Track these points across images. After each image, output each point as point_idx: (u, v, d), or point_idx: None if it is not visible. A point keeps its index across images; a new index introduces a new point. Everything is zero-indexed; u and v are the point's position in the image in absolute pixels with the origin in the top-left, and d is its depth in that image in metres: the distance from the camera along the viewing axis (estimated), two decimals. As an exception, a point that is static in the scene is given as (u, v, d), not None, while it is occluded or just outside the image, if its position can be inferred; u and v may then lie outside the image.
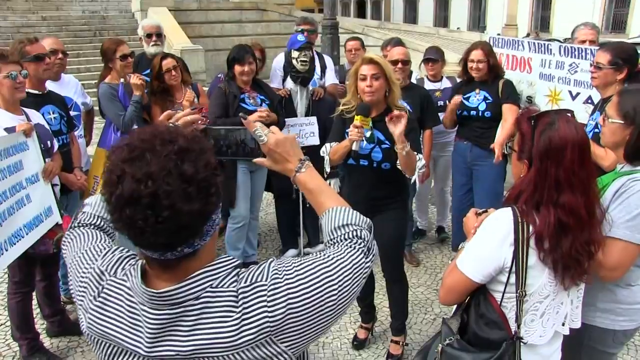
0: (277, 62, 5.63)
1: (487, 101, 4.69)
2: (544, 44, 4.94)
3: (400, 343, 3.89)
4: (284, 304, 1.22)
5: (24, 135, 3.39)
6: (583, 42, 4.83)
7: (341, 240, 1.43)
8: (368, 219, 1.52)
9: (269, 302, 1.21)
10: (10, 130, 3.39)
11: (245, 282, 1.24)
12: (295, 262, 1.31)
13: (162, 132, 1.18)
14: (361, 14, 47.00)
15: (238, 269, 1.29)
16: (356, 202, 3.68)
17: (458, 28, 32.56)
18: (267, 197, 6.41)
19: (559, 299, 2.03)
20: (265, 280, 1.24)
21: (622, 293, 2.34)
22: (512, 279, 1.94)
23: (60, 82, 4.55)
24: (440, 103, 5.21)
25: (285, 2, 19.35)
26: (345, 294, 1.30)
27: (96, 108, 5.48)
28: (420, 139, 4.70)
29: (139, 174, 1.10)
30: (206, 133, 1.70)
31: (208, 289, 1.22)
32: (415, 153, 3.41)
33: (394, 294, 3.90)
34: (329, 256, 1.33)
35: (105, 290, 1.30)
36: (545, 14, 33.48)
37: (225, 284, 1.24)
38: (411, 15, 42.75)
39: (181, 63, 5.03)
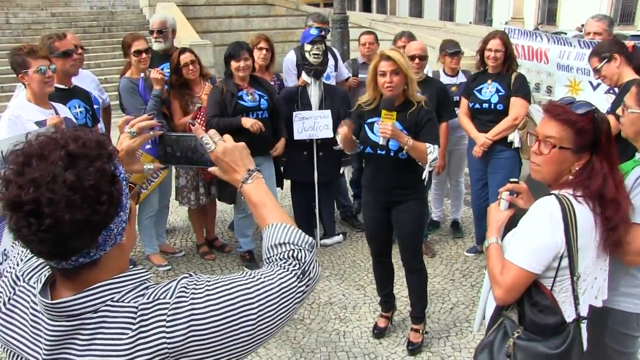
0: (289, 59, 5.70)
1: (500, 93, 4.73)
2: (563, 37, 5.00)
3: (420, 331, 3.96)
4: (185, 325, 1.13)
5: (54, 129, 3.46)
6: (588, 34, 4.88)
7: (275, 260, 1.35)
8: (310, 238, 1.43)
9: (168, 321, 1.13)
10: (40, 123, 3.47)
11: (149, 298, 1.16)
12: (209, 280, 1.22)
13: (56, 137, 1.10)
14: (366, 7, 46.92)
15: (148, 284, 1.21)
16: (376, 191, 3.81)
17: (470, 22, 32.38)
18: (281, 191, 6.48)
19: (595, 274, 2.14)
20: (169, 298, 1.16)
21: None
22: (563, 263, 2.02)
23: (78, 77, 4.61)
24: (456, 98, 5.24)
25: (292, -4, 19.39)
26: (267, 319, 1.21)
27: (113, 103, 5.59)
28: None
29: (23, 180, 1.04)
30: (164, 139, 1.69)
31: (108, 303, 1.14)
32: (428, 145, 3.48)
33: (413, 283, 3.97)
34: (253, 276, 1.25)
35: (15, 296, 1.25)
36: (552, 6, 33.41)
37: (127, 298, 1.16)
38: (417, 9, 42.66)
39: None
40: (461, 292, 4.67)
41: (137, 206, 4.99)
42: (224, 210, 6.28)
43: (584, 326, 2.11)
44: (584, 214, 2.02)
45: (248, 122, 4.57)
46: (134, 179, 5.03)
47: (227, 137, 1.58)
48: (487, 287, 2.48)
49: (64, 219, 1.03)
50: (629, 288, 2.42)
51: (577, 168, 2.09)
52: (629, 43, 3.78)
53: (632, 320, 2.46)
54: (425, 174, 3.63)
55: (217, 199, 5.36)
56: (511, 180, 2.34)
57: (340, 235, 5.69)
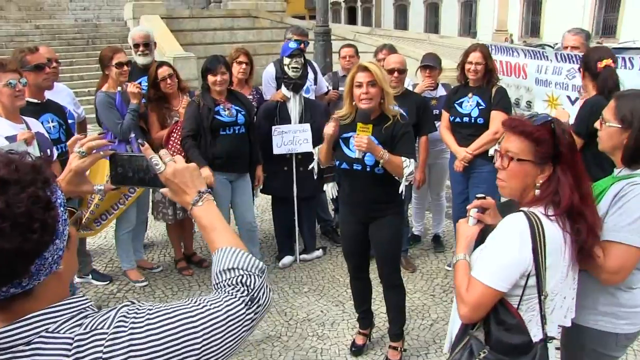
0: (268, 72, 5.65)
1: (480, 107, 4.70)
2: (540, 51, 5.00)
3: (399, 349, 3.91)
4: (123, 356, 1.07)
5: (25, 143, 3.40)
6: (566, 47, 4.90)
7: (224, 286, 1.31)
8: (261, 263, 1.39)
9: (105, 353, 1.07)
10: (11, 138, 3.40)
11: (86, 328, 1.10)
12: (151, 309, 1.17)
13: None
14: (352, 20, 47.17)
15: (86, 313, 1.15)
16: (353, 206, 3.77)
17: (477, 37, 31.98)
18: (262, 205, 6.44)
19: (564, 294, 2.09)
20: (107, 328, 1.10)
21: (624, 296, 2.36)
22: (530, 282, 1.98)
23: (53, 90, 4.53)
24: (436, 112, 5.21)
25: (277, 9, 19.48)
26: (213, 348, 1.17)
27: (89, 116, 5.52)
28: (417, 145, 4.76)
29: None
30: (115, 159, 1.65)
31: (42, 334, 1.08)
32: (404, 158, 3.45)
33: (391, 300, 3.92)
34: (198, 304, 1.21)
35: None
36: (535, 19, 33.78)
37: (63, 329, 1.09)
38: (401, 21, 42.93)
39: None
40: (441, 308, 4.63)
41: (115, 221, 4.97)
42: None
43: (551, 346, 2.07)
44: (553, 232, 1.98)
45: (208, 177, 4.46)
46: (107, 199, 4.95)
47: (178, 157, 1.53)
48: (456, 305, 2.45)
49: None
50: (607, 307, 2.38)
51: (540, 182, 2.05)
52: (601, 63, 3.77)
53: (610, 340, 2.42)
54: (402, 188, 3.60)
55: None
56: (478, 196, 2.32)
57: (320, 250, 5.64)
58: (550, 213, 2.00)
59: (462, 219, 2.36)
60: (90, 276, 5.10)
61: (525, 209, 2.04)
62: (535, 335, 2.04)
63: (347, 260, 4.04)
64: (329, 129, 3.55)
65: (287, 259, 5.44)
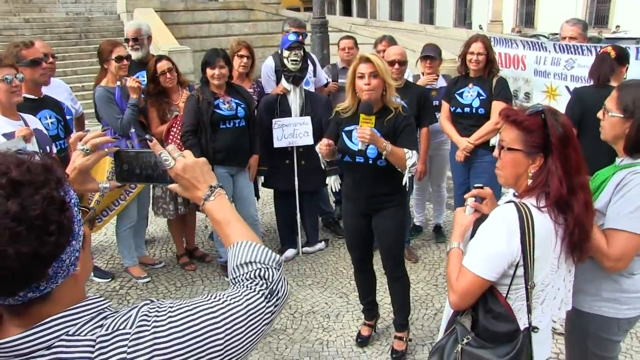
0: (267, 66, 5.61)
1: (481, 97, 4.69)
2: (538, 42, 4.99)
3: (404, 339, 3.92)
4: (148, 355, 1.06)
5: (24, 140, 3.36)
6: (564, 38, 4.89)
7: (242, 280, 1.30)
8: (277, 256, 1.38)
9: (129, 353, 1.05)
10: (8, 136, 3.35)
11: (107, 329, 1.08)
12: (172, 306, 1.15)
13: None
14: (347, 11, 47.05)
15: (105, 313, 1.13)
16: (356, 199, 3.75)
17: (480, 26, 31.71)
18: (263, 198, 6.41)
19: (557, 285, 2.11)
20: (130, 328, 1.08)
21: (626, 282, 2.41)
22: (519, 272, 2.00)
23: (50, 86, 4.45)
24: (436, 103, 5.19)
25: (272, 1, 19.38)
26: (235, 343, 1.16)
27: (86, 111, 5.48)
28: (417, 137, 4.73)
29: None
30: (120, 155, 1.60)
31: (63, 337, 1.05)
32: (406, 150, 3.43)
33: (396, 291, 3.92)
34: (219, 299, 1.20)
35: None
36: (530, 9, 33.73)
37: (84, 331, 1.07)
38: (397, 12, 42.81)
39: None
40: (444, 297, 4.61)
41: (115, 217, 4.93)
42: (203, 219, 6.19)
43: (536, 336, 2.07)
44: (544, 224, 1.98)
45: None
46: (108, 195, 4.89)
47: (187, 152, 1.51)
48: None
49: (8, 253, 0.95)
50: (610, 293, 2.43)
51: (532, 171, 2.04)
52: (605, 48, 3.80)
53: (613, 325, 2.47)
54: (405, 180, 3.58)
55: (197, 209, 5.26)
56: (476, 185, 2.34)
57: (322, 243, 5.62)
58: (542, 204, 2.00)
59: (459, 207, 2.38)
60: (92, 274, 5.07)
61: (517, 200, 2.06)
62: (524, 324, 2.06)
63: (350, 252, 4.03)
64: (321, 148, 3.52)
65: (290, 252, 5.42)
